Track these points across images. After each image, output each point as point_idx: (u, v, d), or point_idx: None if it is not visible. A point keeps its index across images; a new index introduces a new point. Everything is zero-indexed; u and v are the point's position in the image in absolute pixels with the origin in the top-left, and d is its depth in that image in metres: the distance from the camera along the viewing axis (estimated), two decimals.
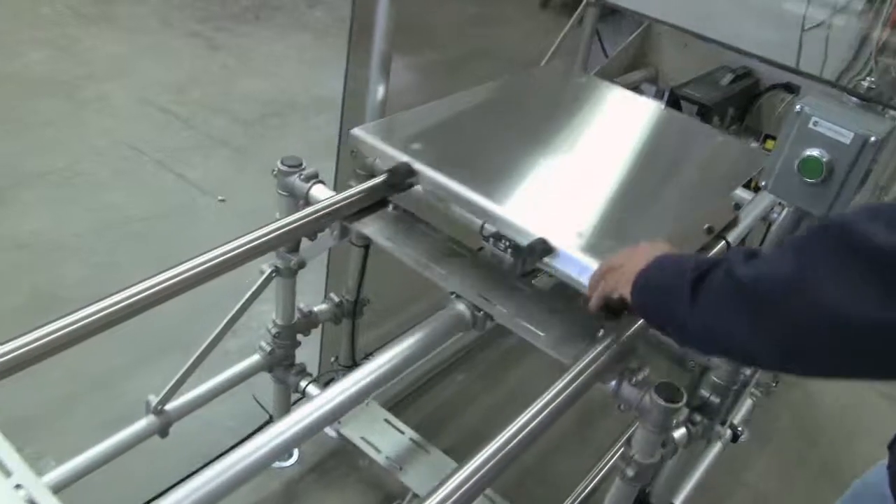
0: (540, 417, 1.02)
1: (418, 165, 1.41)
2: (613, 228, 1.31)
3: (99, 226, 2.79)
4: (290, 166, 1.51)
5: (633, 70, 2.42)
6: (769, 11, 1.38)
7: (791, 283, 0.75)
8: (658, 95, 2.43)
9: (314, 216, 1.35)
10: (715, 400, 1.34)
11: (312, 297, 1.87)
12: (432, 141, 1.49)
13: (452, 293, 1.30)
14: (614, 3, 1.71)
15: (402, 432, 1.73)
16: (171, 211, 2.96)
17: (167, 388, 1.57)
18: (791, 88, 2.17)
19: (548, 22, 2.96)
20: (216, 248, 1.23)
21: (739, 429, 1.84)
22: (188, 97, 3.75)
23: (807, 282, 0.73)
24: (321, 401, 1.10)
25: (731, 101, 2.15)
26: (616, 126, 1.73)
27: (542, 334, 1.23)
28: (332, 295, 1.86)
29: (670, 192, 1.51)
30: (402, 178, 1.39)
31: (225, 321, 1.58)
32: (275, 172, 1.52)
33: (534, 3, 3.30)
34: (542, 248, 1.22)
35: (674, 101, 2.19)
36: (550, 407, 1.04)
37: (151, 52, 4.11)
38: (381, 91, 1.63)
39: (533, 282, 1.36)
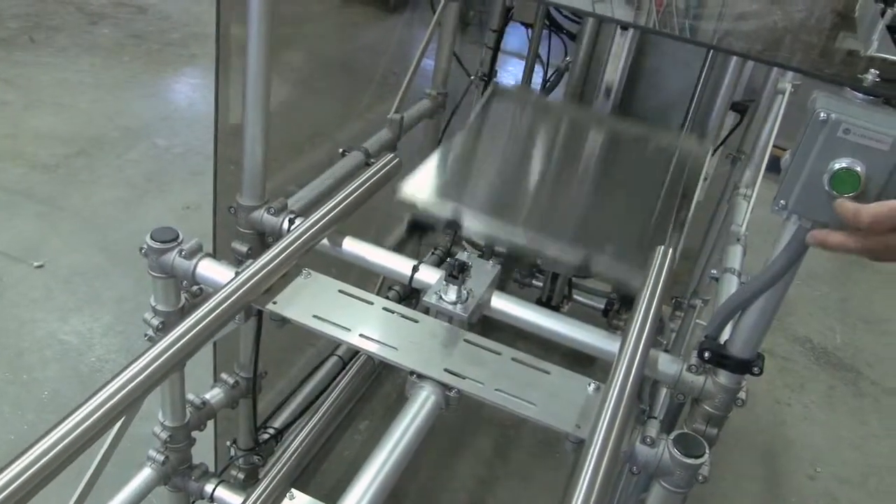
0: None
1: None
2: None
3: None
4: (163, 241, 1.20)
5: None
6: None
7: None
8: None
9: (217, 311, 1.06)
10: (712, 431, 1.21)
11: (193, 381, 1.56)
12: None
13: (412, 373, 1.06)
14: None
15: None
16: None
17: None
18: None
19: (355, 17, 2.71)
20: (94, 396, 0.89)
21: None
22: None
23: None
24: None
25: None
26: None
27: (533, 402, 1.03)
28: (223, 376, 1.56)
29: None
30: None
31: (98, 458, 1.25)
32: (143, 251, 1.21)
33: None
34: None
35: None
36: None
37: None
38: (258, 138, 1.33)
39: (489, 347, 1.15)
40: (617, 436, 0.95)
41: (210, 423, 1.70)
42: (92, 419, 0.87)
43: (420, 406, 1.02)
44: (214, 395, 1.53)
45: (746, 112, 2.34)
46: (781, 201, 0.90)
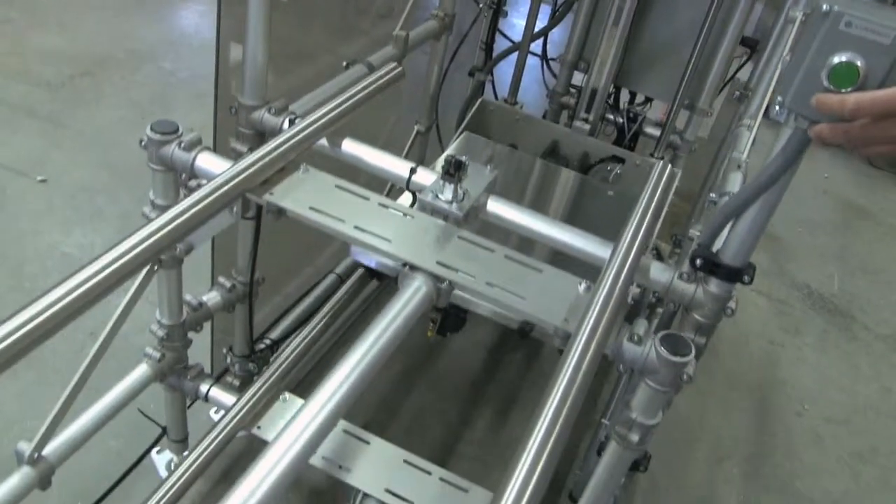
0: (563, 415, 0.83)
1: None
2: None
3: None
4: (163, 133, 1.20)
5: None
6: None
7: None
8: None
9: (213, 196, 1.07)
10: (700, 340, 1.22)
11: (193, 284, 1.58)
12: None
13: (405, 265, 1.07)
14: None
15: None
16: None
17: (42, 430, 1.24)
18: (617, 159, 2.16)
19: None
20: (83, 269, 0.91)
21: None
22: None
23: None
24: (290, 437, 0.82)
25: None
26: None
27: (524, 297, 1.04)
28: (221, 279, 1.57)
29: None
30: None
31: (104, 334, 1.27)
32: (143, 143, 1.21)
33: None
34: None
35: None
36: (570, 398, 0.86)
37: None
38: (259, 34, 1.33)
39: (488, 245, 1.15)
40: (603, 331, 0.96)
41: (207, 332, 1.73)
42: (87, 286, 0.89)
43: (411, 295, 1.03)
44: (211, 297, 1.54)
45: (756, 48, 2.31)
46: (779, 98, 0.90)
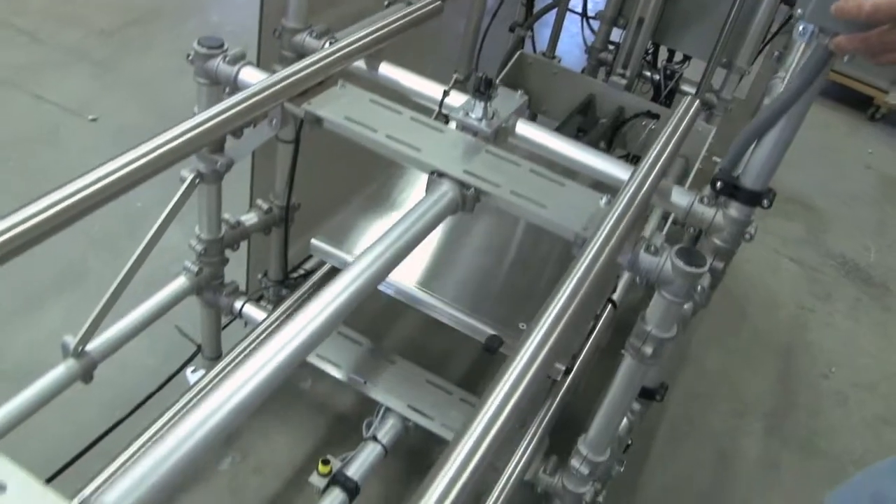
0: (571, 308, 0.87)
1: None
2: None
3: None
4: (209, 47, 1.26)
5: None
6: None
7: None
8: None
9: (253, 99, 1.13)
10: (718, 265, 1.25)
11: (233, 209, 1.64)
12: None
13: (433, 172, 1.12)
14: None
15: (359, 343, 1.56)
16: (33, 135, 2.57)
17: (85, 326, 1.32)
18: (652, 115, 2.16)
19: None
20: (127, 152, 0.99)
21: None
22: (29, 6, 3.27)
23: None
24: (298, 324, 0.85)
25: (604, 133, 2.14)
26: None
27: (545, 206, 1.08)
28: (259, 202, 1.63)
29: None
30: None
31: (147, 239, 1.34)
32: (190, 57, 1.27)
33: None
34: None
35: None
36: (580, 293, 0.90)
37: None
38: None
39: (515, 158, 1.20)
40: (618, 238, 1.00)
41: (243, 259, 1.80)
42: (132, 167, 0.96)
43: (437, 199, 1.08)
44: (249, 218, 1.61)
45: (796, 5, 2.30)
46: (799, 10, 0.93)
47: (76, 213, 0.90)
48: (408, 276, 1.42)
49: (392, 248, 0.98)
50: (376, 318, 2.07)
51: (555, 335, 0.83)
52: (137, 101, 2.81)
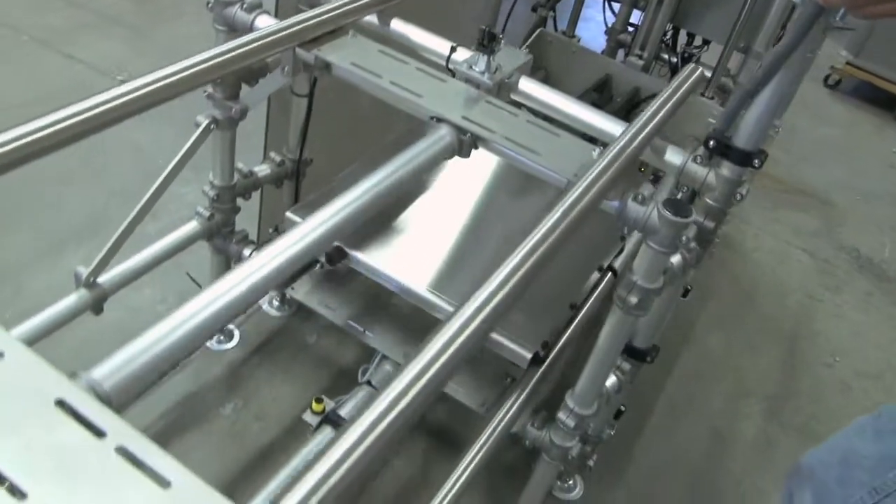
0: (546, 243, 0.90)
1: None
2: None
3: None
4: None
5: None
6: None
7: None
8: None
9: (265, 40, 1.17)
10: (709, 224, 1.28)
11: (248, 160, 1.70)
12: None
13: (432, 117, 1.16)
14: None
15: (360, 293, 1.60)
16: (64, 92, 2.64)
17: (98, 258, 1.38)
18: None
19: None
20: (146, 75, 1.07)
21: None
22: None
23: None
24: (274, 251, 0.91)
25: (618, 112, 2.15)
26: None
27: (538, 153, 1.12)
28: (272, 154, 1.69)
29: None
30: None
31: (160, 179, 1.39)
32: (210, 4, 1.32)
33: None
34: None
35: None
36: (557, 231, 0.93)
37: None
38: None
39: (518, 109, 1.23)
40: (605, 182, 1.04)
41: (255, 213, 1.86)
42: (148, 89, 1.02)
43: (435, 141, 1.12)
44: (261, 169, 1.66)
45: None
46: None
47: (98, 124, 0.98)
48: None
49: (387, 180, 1.03)
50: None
51: (532, 261, 0.87)
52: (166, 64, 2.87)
